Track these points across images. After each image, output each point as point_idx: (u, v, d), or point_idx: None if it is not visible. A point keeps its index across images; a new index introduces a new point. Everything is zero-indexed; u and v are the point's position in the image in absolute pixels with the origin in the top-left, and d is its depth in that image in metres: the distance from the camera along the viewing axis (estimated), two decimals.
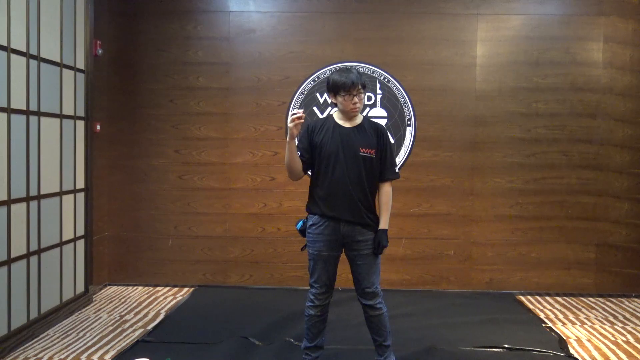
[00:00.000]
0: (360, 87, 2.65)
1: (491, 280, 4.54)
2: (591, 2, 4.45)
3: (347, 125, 2.73)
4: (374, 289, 2.71)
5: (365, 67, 4.46)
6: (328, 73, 4.46)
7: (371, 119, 2.87)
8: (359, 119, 2.76)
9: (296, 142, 2.69)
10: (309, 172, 2.82)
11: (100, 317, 3.72)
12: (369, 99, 4.46)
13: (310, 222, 2.75)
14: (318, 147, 2.71)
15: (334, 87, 2.68)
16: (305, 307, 2.78)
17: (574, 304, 4.22)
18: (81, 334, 3.38)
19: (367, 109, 4.47)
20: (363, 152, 2.68)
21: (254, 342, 3.26)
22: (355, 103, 2.66)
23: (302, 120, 2.57)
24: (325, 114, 4.42)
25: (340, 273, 2.86)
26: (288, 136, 2.61)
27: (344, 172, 2.66)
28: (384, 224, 2.72)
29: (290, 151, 2.65)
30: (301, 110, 2.56)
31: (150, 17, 4.51)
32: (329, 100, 2.83)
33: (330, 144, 2.68)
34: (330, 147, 2.68)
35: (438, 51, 4.48)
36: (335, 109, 2.80)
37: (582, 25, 4.46)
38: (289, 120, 2.57)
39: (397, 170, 2.83)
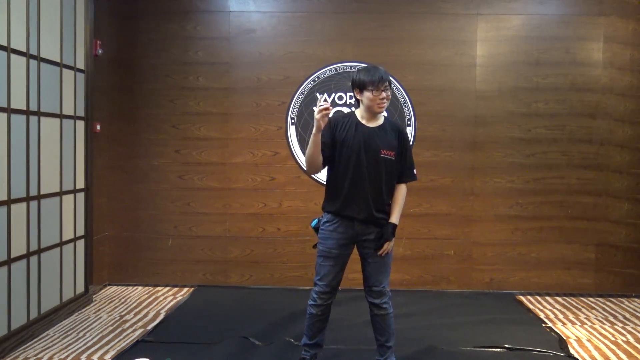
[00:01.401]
0: (387, 83, 2.63)
1: (491, 280, 4.54)
2: (591, 2, 4.45)
3: (369, 124, 2.69)
4: (382, 287, 2.71)
5: None
6: (328, 73, 4.47)
7: (391, 120, 2.81)
8: (380, 119, 2.72)
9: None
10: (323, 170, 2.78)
11: (100, 317, 3.72)
12: None
13: (324, 220, 2.74)
14: (339, 144, 2.66)
15: (360, 83, 2.63)
16: (308, 306, 2.77)
17: (574, 304, 4.22)
18: (81, 334, 3.38)
19: None
20: (384, 154, 2.65)
21: (254, 342, 3.26)
22: (383, 98, 2.62)
23: (329, 112, 2.47)
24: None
25: None
26: (314, 128, 2.51)
27: (364, 173, 2.63)
28: (394, 220, 2.69)
29: (315, 144, 2.57)
30: (329, 101, 2.45)
31: (150, 17, 4.51)
32: (354, 97, 2.72)
33: (352, 143, 2.64)
34: (352, 146, 2.64)
35: (438, 51, 4.48)
36: (355, 109, 2.76)
37: (582, 25, 4.46)
38: (316, 111, 2.46)
39: (415, 172, 2.79)
